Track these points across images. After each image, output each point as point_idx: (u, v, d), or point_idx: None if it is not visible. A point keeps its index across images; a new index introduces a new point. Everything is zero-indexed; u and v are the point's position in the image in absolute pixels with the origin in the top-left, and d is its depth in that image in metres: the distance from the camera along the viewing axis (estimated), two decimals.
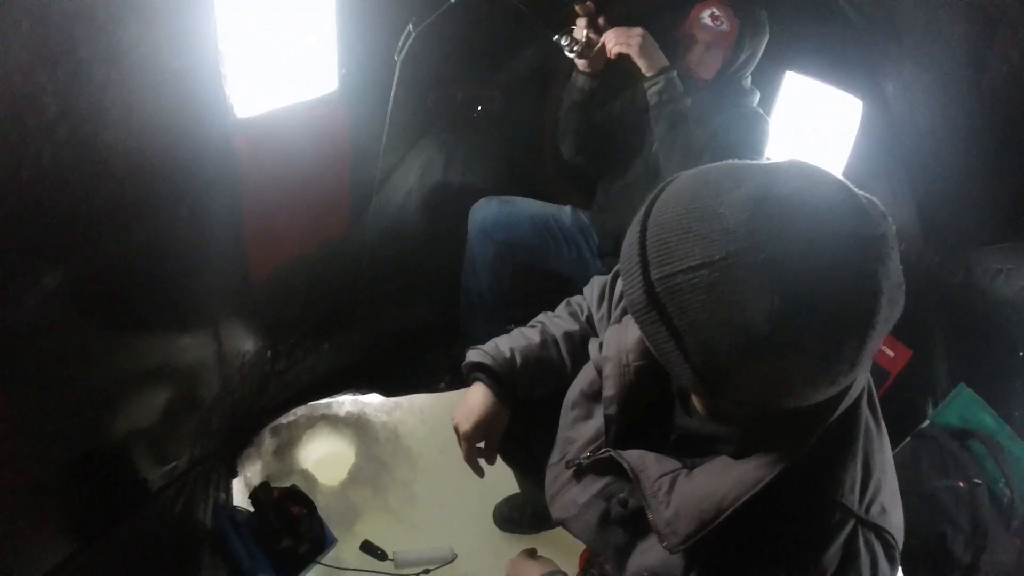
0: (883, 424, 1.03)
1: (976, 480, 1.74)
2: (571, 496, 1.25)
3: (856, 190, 0.78)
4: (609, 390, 1.16)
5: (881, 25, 1.97)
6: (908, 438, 1.93)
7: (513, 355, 1.49)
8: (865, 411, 0.97)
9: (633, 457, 1.09)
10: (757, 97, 2.29)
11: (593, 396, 1.29)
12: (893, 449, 1.09)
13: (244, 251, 1.73)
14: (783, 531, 0.93)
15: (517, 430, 1.53)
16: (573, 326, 1.53)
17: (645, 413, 1.16)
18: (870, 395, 1.00)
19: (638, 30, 2.04)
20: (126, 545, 1.71)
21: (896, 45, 1.94)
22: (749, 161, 0.81)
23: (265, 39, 1.53)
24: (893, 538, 0.98)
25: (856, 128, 2.26)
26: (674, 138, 2.02)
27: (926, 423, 1.93)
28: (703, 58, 2.16)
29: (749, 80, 2.27)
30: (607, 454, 1.15)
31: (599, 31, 2.08)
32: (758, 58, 2.23)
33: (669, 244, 0.76)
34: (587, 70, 2.18)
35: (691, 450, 1.07)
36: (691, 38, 2.16)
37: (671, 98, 2.04)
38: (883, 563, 0.96)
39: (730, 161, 0.82)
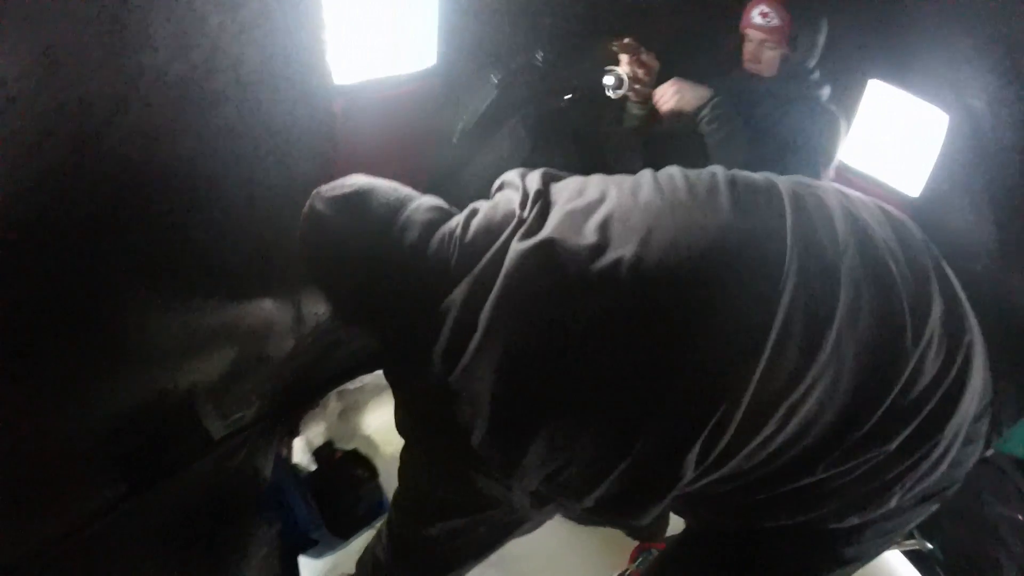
0: None
1: None
2: None
3: None
4: None
5: (967, 38, 1.93)
6: None
7: None
8: None
9: None
10: (828, 90, 2.23)
11: None
12: None
13: None
14: None
15: None
16: None
17: None
18: None
19: (669, 84, 2.07)
20: (187, 488, 1.78)
21: (983, 59, 1.89)
22: None
23: (370, 10, 1.57)
24: None
25: (940, 142, 2.18)
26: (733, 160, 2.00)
27: (991, 451, 1.85)
28: (760, 55, 2.16)
29: (817, 73, 2.22)
30: None
31: (644, 64, 2.09)
32: (819, 48, 2.18)
33: None
34: (638, 100, 2.18)
35: None
36: (745, 37, 2.16)
37: (722, 124, 2.06)
38: None
39: None
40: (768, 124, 2.09)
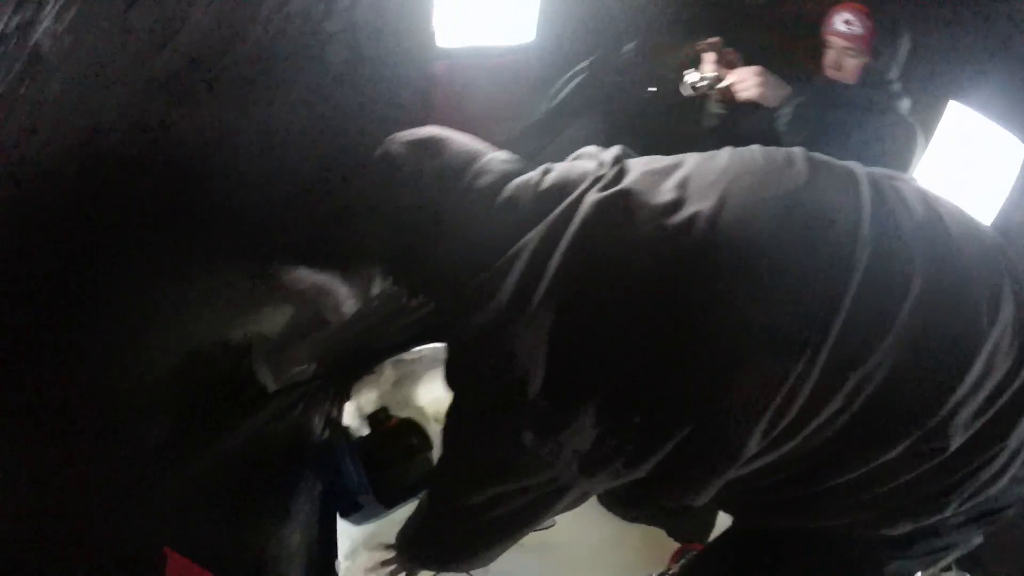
0: None
1: None
2: None
3: None
4: None
5: None
6: None
7: None
8: None
9: None
10: (907, 103, 2.20)
11: None
12: None
13: None
14: None
15: None
16: None
17: None
18: None
19: (754, 70, 2.04)
20: (238, 440, 1.78)
21: None
22: None
23: None
24: None
25: (1017, 172, 2.14)
26: None
27: None
28: (842, 62, 2.15)
29: (898, 85, 2.19)
30: None
31: (730, 64, 2.09)
32: (901, 59, 2.17)
33: None
34: (720, 98, 2.17)
35: None
36: (827, 43, 2.16)
37: (801, 125, 2.03)
38: None
39: None
40: (845, 131, 2.06)
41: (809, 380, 0.96)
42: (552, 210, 1.05)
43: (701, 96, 2.17)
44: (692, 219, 0.99)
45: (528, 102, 1.94)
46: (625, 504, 2.04)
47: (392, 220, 1.19)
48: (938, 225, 1.06)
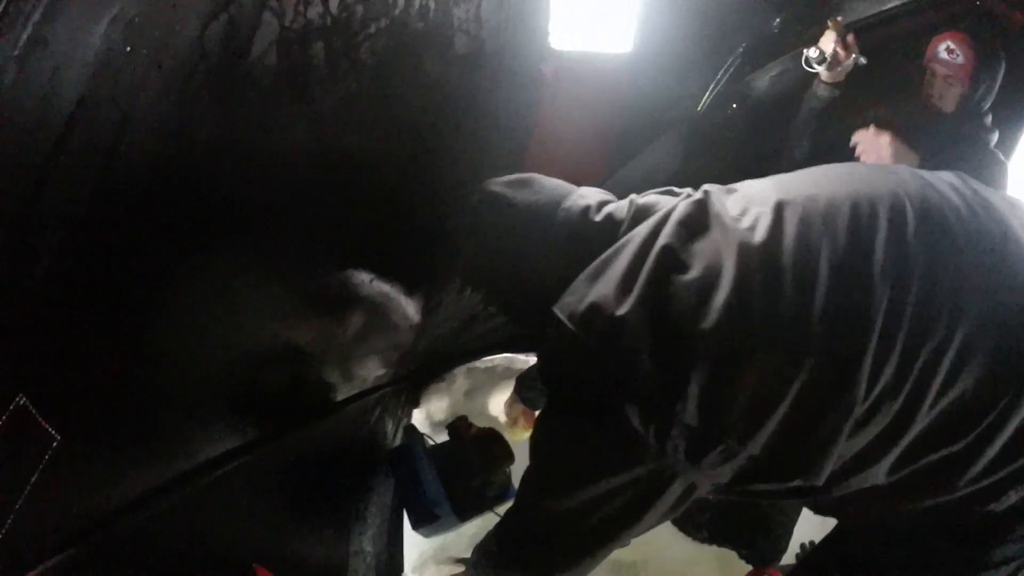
0: None
1: None
2: None
3: None
4: None
5: None
6: None
7: None
8: None
9: None
10: (996, 137, 2.22)
11: None
12: None
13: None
14: None
15: None
16: None
17: None
18: None
19: (886, 139, 2.07)
20: (311, 445, 1.73)
21: None
22: None
23: None
24: None
25: None
26: None
27: None
28: (942, 92, 2.17)
29: (990, 118, 2.22)
30: None
31: (847, 47, 2.12)
32: (995, 91, 2.20)
33: None
34: (829, 81, 2.21)
35: None
36: (929, 72, 2.18)
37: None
38: None
39: None
40: (937, 162, 2.02)
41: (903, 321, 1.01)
42: (649, 219, 1.15)
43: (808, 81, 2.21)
44: (759, 217, 1.09)
45: (623, 109, 1.92)
46: (700, 518, 1.99)
47: (493, 247, 1.27)
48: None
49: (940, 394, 1.03)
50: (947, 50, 2.12)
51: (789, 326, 1.02)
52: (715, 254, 1.07)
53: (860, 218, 1.06)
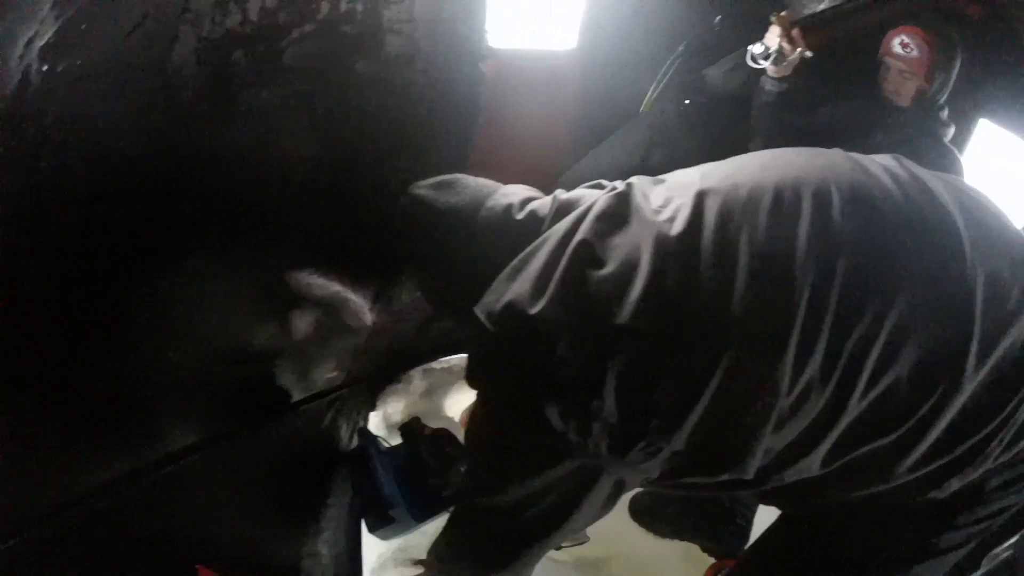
0: None
1: None
2: None
3: None
4: None
5: None
6: None
7: None
8: None
9: None
10: (952, 131, 2.25)
11: None
12: None
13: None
14: None
15: None
16: None
17: None
18: None
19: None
20: (267, 446, 1.72)
21: None
22: None
23: None
24: None
25: None
26: None
27: None
28: (898, 85, 2.20)
29: (946, 112, 2.23)
30: None
31: (792, 42, 2.12)
32: (951, 84, 2.21)
33: None
34: (776, 76, 2.21)
35: None
36: (884, 66, 2.21)
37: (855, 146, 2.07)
38: None
39: None
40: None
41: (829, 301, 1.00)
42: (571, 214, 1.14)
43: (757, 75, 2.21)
44: (679, 208, 1.09)
45: (571, 107, 1.93)
46: (655, 518, 2.00)
47: (421, 251, 1.30)
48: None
49: (872, 382, 1.01)
50: (901, 44, 2.14)
51: (707, 318, 1.00)
52: (633, 248, 1.05)
53: (782, 203, 1.04)
